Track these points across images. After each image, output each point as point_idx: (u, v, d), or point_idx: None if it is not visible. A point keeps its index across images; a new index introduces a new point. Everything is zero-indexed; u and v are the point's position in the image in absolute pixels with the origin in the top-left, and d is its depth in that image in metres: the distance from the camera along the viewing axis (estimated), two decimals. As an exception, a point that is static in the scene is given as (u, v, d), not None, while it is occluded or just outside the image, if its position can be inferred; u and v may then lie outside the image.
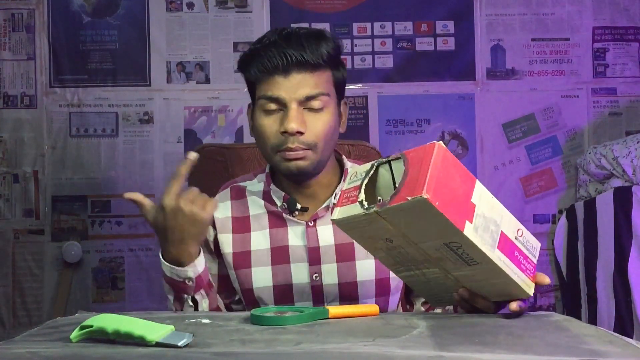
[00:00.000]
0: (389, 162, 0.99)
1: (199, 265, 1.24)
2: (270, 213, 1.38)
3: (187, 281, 1.23)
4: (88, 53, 2.81)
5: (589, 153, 2.68)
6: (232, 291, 1.42)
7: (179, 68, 2.83)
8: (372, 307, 1.08)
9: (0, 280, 2.76)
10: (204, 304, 1.28)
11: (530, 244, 1.02)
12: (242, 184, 1.44)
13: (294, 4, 2.86)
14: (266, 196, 1.39)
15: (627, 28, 2.92)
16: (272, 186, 1.38)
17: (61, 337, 0.90)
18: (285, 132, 1.26)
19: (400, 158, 0.96)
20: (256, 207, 1.39)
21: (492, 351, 0.81)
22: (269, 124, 1.29)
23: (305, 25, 2.81)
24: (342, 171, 1.41)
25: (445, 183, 0.90)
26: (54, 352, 0.81)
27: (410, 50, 2.89)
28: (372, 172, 1.00)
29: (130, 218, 2.77)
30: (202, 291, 1.27)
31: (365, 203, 0.96)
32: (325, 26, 2.85)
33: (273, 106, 1.28)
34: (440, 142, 0.93)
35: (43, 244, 2.78)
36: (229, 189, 1.44)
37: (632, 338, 0.94)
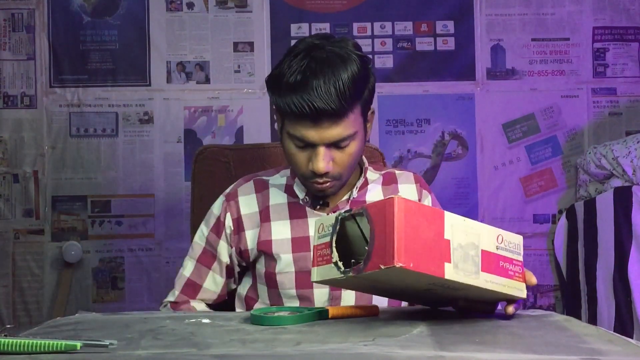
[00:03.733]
0: (352, 216, 0.97)
1: None
2: (291, 204, 1.43)
3: None
4: (88, 53, 2.80)
5: (589, 153, 2.68)
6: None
7: (179, 68, 2.83)
8: (372, 307, 1.09)
9: (0, 280, 2.76)
10: None
11: (513, 244, 1.00)
12: (264, 177, 1.49)
13: (294, 4, 2.86)
14: (289, 189, 1.45)
15: (627, 28, 2.92)
16: (297, 180, 1.43)
17: (61, 337, 0.90)
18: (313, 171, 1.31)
19: (362, 214, 0.94)
20: (276, 197, 1.44)
21: (492, 351, 0.81)
22: (299, 156, 1.32)
23: (305, 25, 2.81)
24: (361, 169, 1.47)
25: (414, 238, 0.89)
26: (55, 354, 0.81)
27: (410, 50, 2.89)
28: (337, 226, 0.98)
29: (130, 218, 2.77)
30: None
31: (340, 265, 0.95)
32: (325, 26, 2.84)
33: (302, 144, 1.31)
34: (398, 195, 0.92)
35: (43, 244, 2.78)
36: (252, 181, 1.48)
37: (632, 338, 0.94)
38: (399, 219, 0.89)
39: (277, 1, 2.85)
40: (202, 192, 1.67)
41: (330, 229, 0.99)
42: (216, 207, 1.47)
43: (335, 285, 1.05)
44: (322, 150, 1.29)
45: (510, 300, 1.03)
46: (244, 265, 1.47)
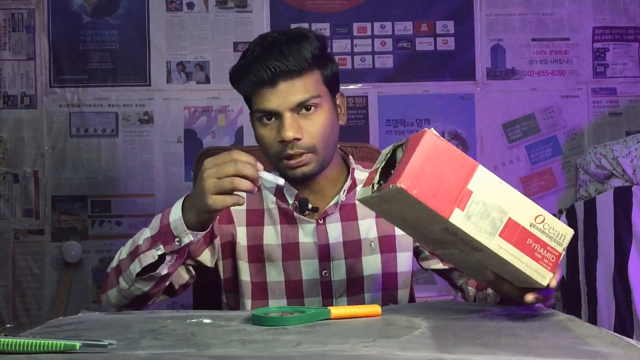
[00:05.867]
0: (403, 144, 1.01)
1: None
2: (281, 209, 1.40)
3: (179, 241, 1.18)
4: (88, 53, 2.80)
5: (589, 153, 2.68)
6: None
7: (179, 68, 2.83)
8: (373, 308, 1.08)
9: (0, 280, 2.76)
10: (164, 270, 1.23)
11: (556, 231, 0.97)
12: None
13: (294, 4, 2.85)
14: (278, 193, 1.42)
15: (627, 28, 2.92)
16: (286, 183, 1.39)
17: (62, 336, 0.90)
18: (282, 141, 1.29)
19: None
20: (269, 201, 1.42)
21: (493, 353, 0.81)
22: (267, 134, 1.32)
23: (305, 25, 2.81)
24: (348, 170, 1.44)
25: (430, 171, 0.93)
26: (54, 354, 0.81)
27: (410, 50, 2.89)
28: (389, 154, 1.03)
29: (130, 218, 2.77)
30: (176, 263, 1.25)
31: (375, 185, 1.00)
32: (325, 26, 2.84)
33: (268, 117, 1.31)
34: (432, 129, 0.95)
35: (43, 244, 2.78)
36: None
37: (632, 338, 0.94)
38: (421, 149, 0.93)
39: (277, 1, 2.85)
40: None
41: (384, 157, 1.04)
42: None
43: (371, 207, 1.09)
44: (287, 115, 1.29)
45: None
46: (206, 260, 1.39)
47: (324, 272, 1.37)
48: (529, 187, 2.88)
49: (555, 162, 2.90)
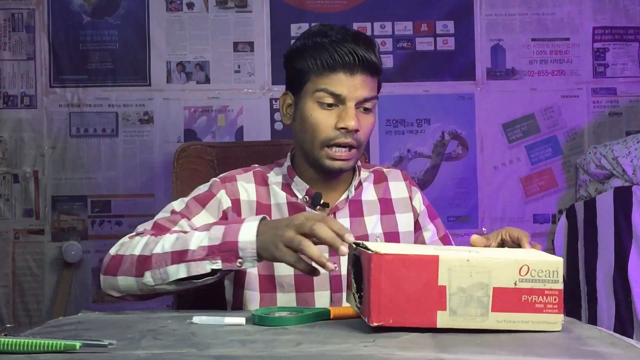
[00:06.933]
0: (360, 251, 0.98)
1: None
2: (290, 204, 1.40)
3: (241, 265, 1.12)
4: (88, 53, 2.80)
5: (589, 153, 2.68)
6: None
7: (179, 68, 2.83)
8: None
9: (0, 280, 2.76)
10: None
11: (546, 272, 0.91)
12: (262, 171, 1.45)
13: (294, 4, 2.85)
14: (286, 188, 1.42)
15: (627, 28, 2.92)
16: (297, 178, 1.41)
17: (62, 336, 0.90)
18: (343, 129, 1.31)
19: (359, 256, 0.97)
20: (277, 197, 1.42)
21: (493, 353, 0.81)
22: (324, 118, 1.33)
23: (306, 25, 2.81)
24: (354, 166, 1.46)
25: (395, 292, 0.89)
26: (54, 354, 0.81)
27: (410, 50, 2.89)
28: (352, 259, 1.00)
29: (130, 218, 2.77)
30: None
31: (356, 298, 0.98)
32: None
33: (331, 101, 1.32)
34: (378, 252, 0.90)
35: (43, 244, 2.78)
36: (251, 172, 1.44)
37: (632, 338, 0.94)
38: (375, 277, 0.90)
39: (277, 1, 2.85)
40: (185, 190, 1.59)
41: (351, 255, 1.02)
42: (207, 185, 1.40)
43: None
44: (352, 105, 1.31)
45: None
46: None
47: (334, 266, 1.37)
48: (529, 187, 2.88)
49: (555, 162, 2.90)
